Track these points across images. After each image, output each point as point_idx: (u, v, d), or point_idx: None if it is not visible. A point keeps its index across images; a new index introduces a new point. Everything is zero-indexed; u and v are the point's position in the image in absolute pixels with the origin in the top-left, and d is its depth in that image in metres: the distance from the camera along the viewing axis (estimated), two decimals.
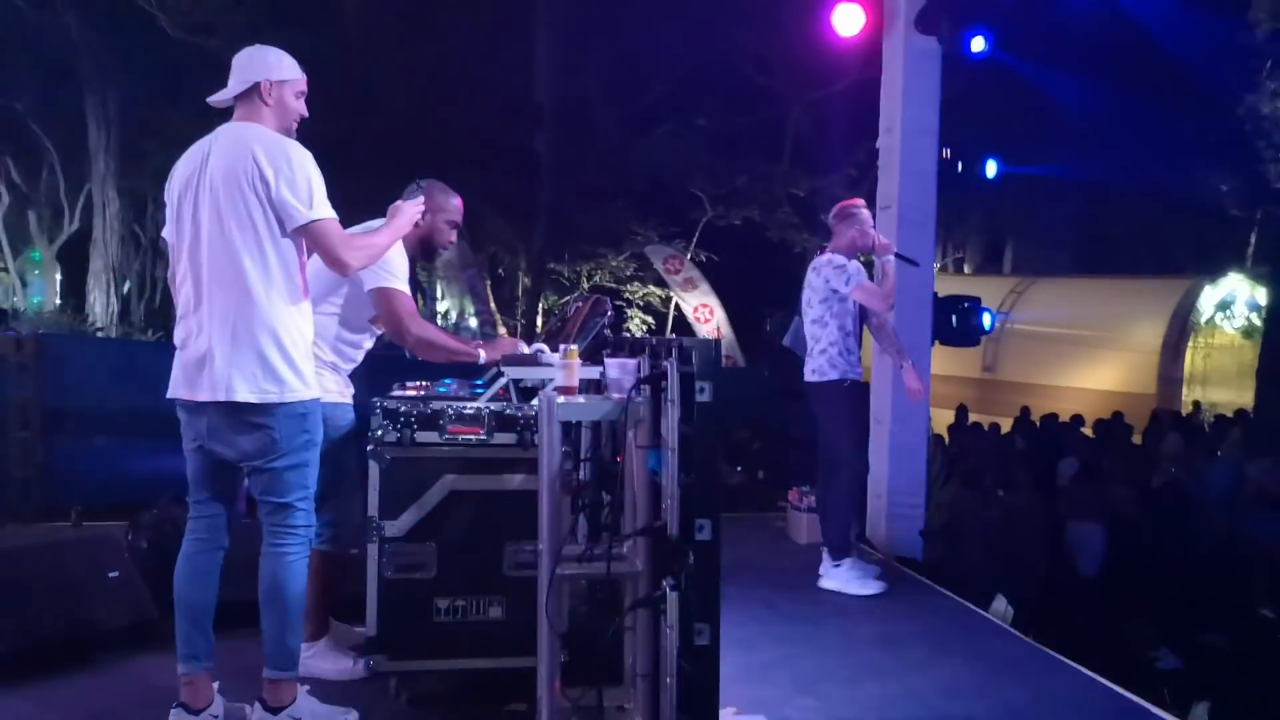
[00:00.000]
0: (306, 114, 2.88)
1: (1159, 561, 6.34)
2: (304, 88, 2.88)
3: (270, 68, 2.81)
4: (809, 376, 4.71)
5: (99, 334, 15.26)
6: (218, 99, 2.83)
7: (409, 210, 3.11)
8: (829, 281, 4.60)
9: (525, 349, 3.37)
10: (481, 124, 14.41)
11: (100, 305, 16.33)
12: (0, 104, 14.93)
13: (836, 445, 4.65)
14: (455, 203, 3.44)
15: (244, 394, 2.64)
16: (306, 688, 2.89)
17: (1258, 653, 5.28)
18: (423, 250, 3.43)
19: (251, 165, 2.65)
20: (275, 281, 2.68)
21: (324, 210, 2.70)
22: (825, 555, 4.67)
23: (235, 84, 2.80)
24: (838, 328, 4.61)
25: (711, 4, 13.63)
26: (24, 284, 21.98)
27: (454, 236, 3.47)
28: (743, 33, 15.03)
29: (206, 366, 2.65)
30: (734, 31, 15.02)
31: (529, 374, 3.23)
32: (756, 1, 13.87)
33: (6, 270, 21.34)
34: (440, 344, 3.31)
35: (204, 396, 2.66)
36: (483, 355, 3.33)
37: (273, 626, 2.77)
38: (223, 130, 2.78)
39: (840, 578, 4.59)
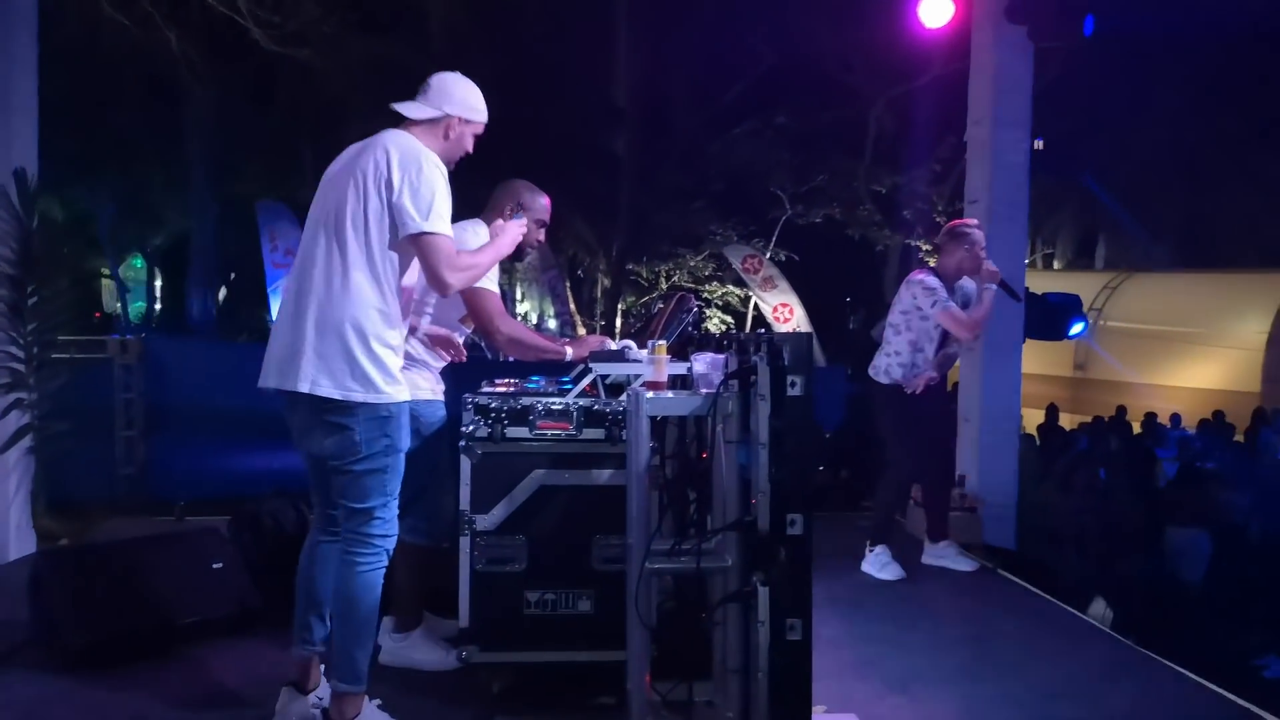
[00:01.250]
0: (471, 152, 2.94)
1: (1267, 566, 6.07)
2: (482, 130, 2.94)
3: (468, 107, 2.88)
4: (871, 370, 4.79)
5: (197, 336, 15.85)
6: (403, 108, 2.85)
7: (512, 230, 3.08)
8: (915, 299, 4.59)
9: (612, 345, 3.39)
10: (561, 125, 14.56)
11: (198, 309, 16.98)
12: (104, 117, 15.60)
13: (883, 443, 4.82)
14: (543, 202, 3.46)
15: (328, 389, 2.63)
16: (377, 702, 2.87)
17: None
18: (513, 250, 3.46)
19: (384, 165, 2.66)
20: (375, 282, 2.67)
21: (439, 225, 2.67)
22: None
23: (427, 107, 2.83)
24: (909, 342, 4.62)
25: (793, 0, 13.52)
26: (127, 289, 22.94)
27: (543, 235, 3.49)
28: (824, 29, 14.86)
29: (296, 357, 2.65)
30: (815, 27, 14.86)
31: (617, 370, 3.25)
32: None
33: (111, 276, 22.31)
34: (528, 342, 3.35)
35: (290, 386, 2.67)
36: (569, 352, 3.36)
37: (341, 638, 2.73)
38: (382, 135, 2.78)
39: (869, 563, 4.75)
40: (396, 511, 2.81)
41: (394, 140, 2.73)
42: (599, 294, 19.56)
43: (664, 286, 18.65)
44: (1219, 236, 19.65)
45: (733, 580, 2.58)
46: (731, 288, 19.01)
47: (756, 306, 18.42)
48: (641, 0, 15.25)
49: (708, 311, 18.45)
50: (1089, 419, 11.10)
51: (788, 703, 2.28)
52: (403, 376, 2.79)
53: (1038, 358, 10.38)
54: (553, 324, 19.25)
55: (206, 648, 3.49)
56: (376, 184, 2.67)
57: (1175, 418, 11.52)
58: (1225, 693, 3.37)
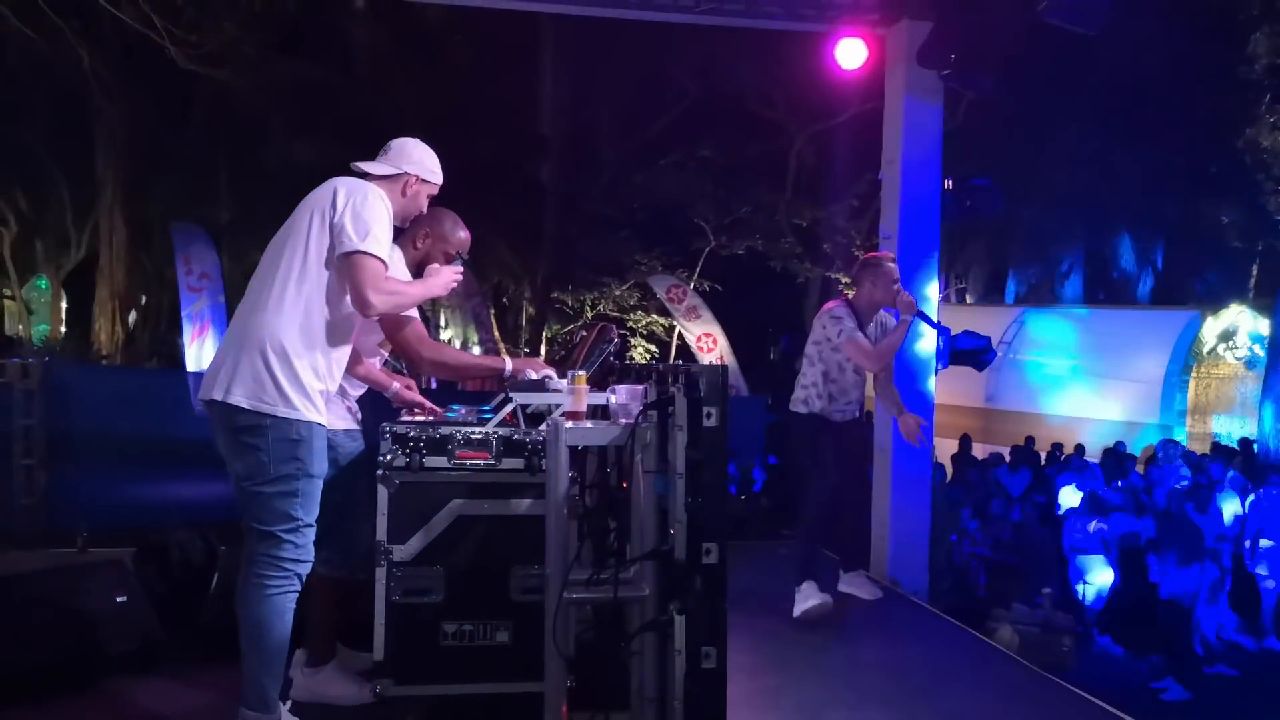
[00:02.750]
0: (425, 212, 3.09)
1: (1164, 593, 6.33)
2: (436, 191, 3.07)
3: (425, 168, 3.01)
4: (791, 402, 4.81)
5: (104, 361, 15.31)
6: (364, 167, 2.95)
7: (447, 276, 3.10)
8: (825, 328, 4.61)
9: (551, 371, 3.38)
10: (487, 154, 14.54)
11: (105, 333, 16.40)
12: (9, 133, 15.08)
13: (803, 474, 4.73)
14: (462, 235, 3.40)
15: (238, 398, 2.66)
16: None
17: (1267, 684, 5.26)
18: (416, 275, 3.36)
19: (330, 194, 2.79)
20: (304, 300, 2.73)
21: (373, 248, 2.74)
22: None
23: (385, 164, 2.96)
24: (821, 373, 4.64)
25: (715, 38, 13.80)
26: (30, 312, 22.07)
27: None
28: (747, 65, 15.20)
29: (219, 368, 2.73)
30: (738, 64, 15.19)
31: (536, 399, 3.25)
32: (760, 36, 14.05)
33: (13, 298, 21.44)
34: (453, 363, 3.34)
35: (207, 395, 2.72)
36: (509, 363, 3.34)
37: (250, 665, 2.72)
38: (344, 179, 2.89)
39: (799, 601, 4.49)
40: (311, 538, 2.78)
41: (351, 178, 2.87)
42: (524, 321, 19.50)
43: (589, 315, 18.70)
44: (1121, 274, 20.59)
45: (650, 609, 2.60)
46: (656, 317, 19.15)
47: (681, 336, 18.59)
48: (567, 30, 15.38)
49: (633, 340, 18.55)
50: (999, 449, 11.45)
51: None
52: (320, 401, 2.77)
53: (950, 389, 10.69)
54: (477, 350, 19.11)
55: (108, 684, 3.36)
56: (321, 209, 2.76)
57: (1080, 448, 11.95)
58: (1125, 716, 3.49)
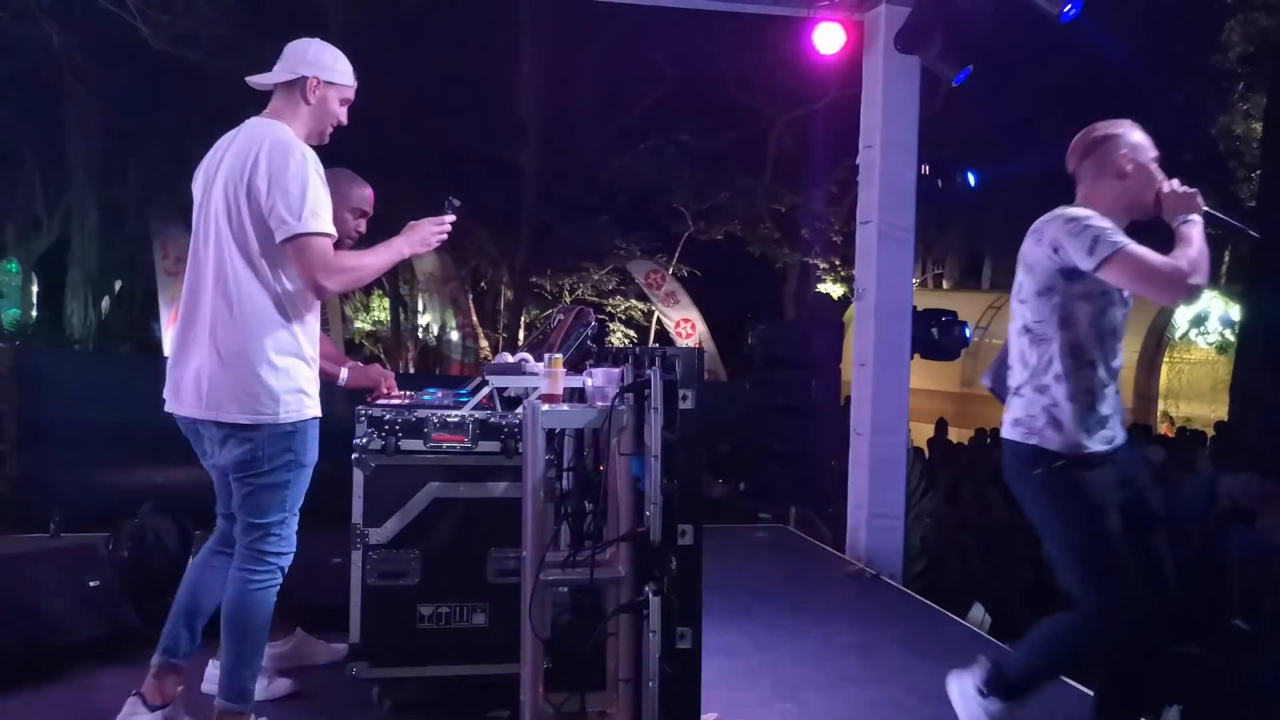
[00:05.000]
0: (345, 122, 2.77)
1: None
2: (351, 96, 2.76)
3: (324, 66, 2.70)
4: (1003, 429, 2.77)
5: (76, 347, 15.14)
6: (258, 80, 2.72)
7: (425, 230, 2.82)
8: (1058, 250, 2.58)
9: (389, 379, 3.33)
10: (465, 139, 14.48)
11: (78, 318, 16.22)
12: None
13: (1057, 560, 2.74)
14: (365, 192, 3.25)
15: (234, 415, 2.55)
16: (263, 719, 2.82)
17: (1231, 663, 5.35)
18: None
19: (250, 169, 2.54)
20: (271, 296, 2.58)
21: (313, 223, 2.52)
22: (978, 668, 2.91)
23: (282, 71, 2.69)
24: (1066, 347, 2.61)
25: (694, 23, 13.77)
26: (0, 295, 21.79)
27: (361, 227, 3.27)
28: (725, 51, 15.17)
29: (197, 382, 2.58)
30: (717, 49, 15.16)
31: (513, 383, 3.26)
32: (738, 21, 14.03)
33: None
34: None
35: (195, 414, 2.59)
36: (344, 373, 3.30)
37: (228, 654, 2.66)
38: (246, 125, 2.67)
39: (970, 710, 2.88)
40: (294, 528, 2.74)
41: (260, 135, 2.59)
42: (502, 306, 19.46)
43: (567, 299, 18.67)
44: None
45: (626, 591, 2.62)
46: (635, 302, 19.17)
47: (659, 321, 18.61)
48: (545, 15, 15.30)
49: (611, 326, 18.55)
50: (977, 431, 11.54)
51: (677, 711, 2.32)
52: (314, 388, 2.70)
53: (927, 374, 10.75)
54: (455, 336, 19.06)
55: (81, 669, 3.34)
56: (248, 190, 2.54)
57: None
58: (1090, 691, 3.55)
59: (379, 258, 2.77)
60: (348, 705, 3.10)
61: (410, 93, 13.87)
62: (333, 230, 2.59)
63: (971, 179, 6.12)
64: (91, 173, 15.79)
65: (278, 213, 2.52)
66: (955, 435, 11.68)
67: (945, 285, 22.35)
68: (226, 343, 2.56)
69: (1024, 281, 2.70)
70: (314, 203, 2.54)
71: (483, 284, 20.38)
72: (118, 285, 20.28)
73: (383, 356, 18.08)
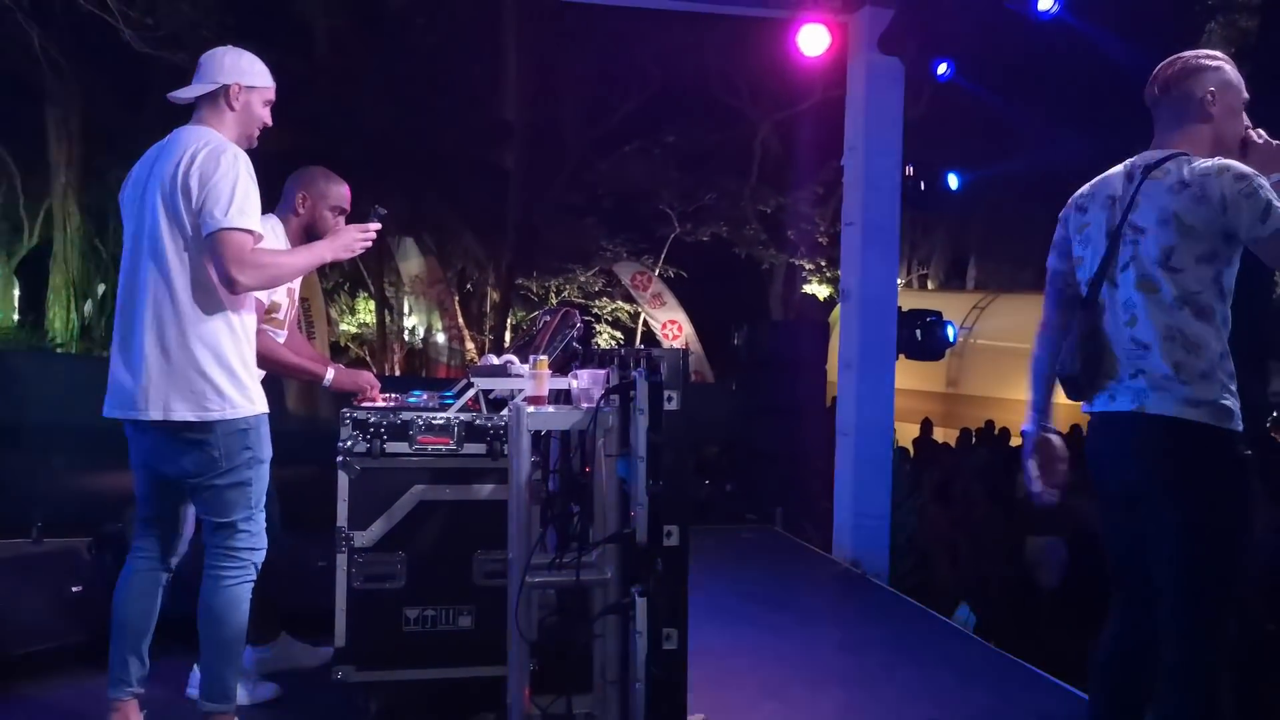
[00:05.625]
0: (270, 123, 2.80)
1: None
2: (273, 96, 2.80)
3: (242, 71, 2.73)
4: (1171, 408, 2.29)
5: (59, 350, 15.03)
6: (180, 95, 2.75)
7: (348, 236, 2.86)
8: (1227, 210, 2.24)
9: (375, 387, 3.31)
10: (451, 141, 14.43)
11: (60, 321, 16.10)
12: None
13: (1191, 556, 2.33)
14: (339, 188, 3.27)
15: (183, 413, 2.55)
16: None
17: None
18: (307, 241, 3.19)
19: (184, 171, 2.56)
20: (211, 295, 2.59)
21: (239, 220, 2.53)
22: None
23: (202, 83, 2.72)
24: (1223, 320, 2.32)
25: (680, 25, 13.79)
26: None
27: (342, 223, 3.26)
28: (711, 53, 15.20)
29: (143, 384, 2.56)
30: (702, 51, 15.18)
31: (499, 385, 3.25)
32: (724, 23, 14.06)
33: None
34: (278, 360, 3.17)
35: (141, 416, 2.58)
36: (330, 373, 3.29)
37: (209, 656, 2.67)
38: (175, 133, 2.70)
39: None
40: (263, 523, 2.75)
41: (190, 140, 2.63)
42: (488, 308, 19.41)
43: (554, 301, 18.66)
44: None
45: (612, 592, 2.62)
46: (621, 304, 19.15)
47: (646, 323, 18.61)
48: (531, 17, 15.28)
49: (597, 327, 18.53)
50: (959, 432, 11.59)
51: (664, 712, 2.33)
52: (258, 386, 2.71)
53: (912, 374, 10.80)
54: (441, 338, 19.01)
55: (64, 675, 3.31)
56: (183, 191, 2.56)
57: None
58: (1079, 692, 3.57)
59: (298, 258, 2.83)
60: (334, 709, 3.10)
61: (395, 94, 13.83)
62: (258, 229, 2.61)
63: (953, 181, 6.15)
64: (73, 175, 15.68)
65: (207, 209, 2.54)
66: (940, 435, 11.73)
67: (930, 286, 22.44)
68: (168, 343, 2.57)
69: (1178, 245, 2.29)
70: (242, 200, 2.55)
71: (469, 286, 20.32)
72: (100, 289, 20.13)
73: (368, 359, 18.02)
